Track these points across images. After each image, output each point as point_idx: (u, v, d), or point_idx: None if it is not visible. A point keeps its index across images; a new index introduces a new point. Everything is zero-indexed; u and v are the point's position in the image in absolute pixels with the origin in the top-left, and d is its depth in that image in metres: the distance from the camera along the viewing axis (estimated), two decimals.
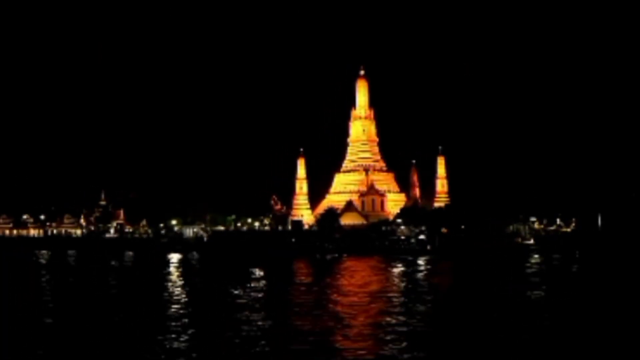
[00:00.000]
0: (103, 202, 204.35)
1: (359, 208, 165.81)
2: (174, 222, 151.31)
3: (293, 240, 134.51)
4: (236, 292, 55.07)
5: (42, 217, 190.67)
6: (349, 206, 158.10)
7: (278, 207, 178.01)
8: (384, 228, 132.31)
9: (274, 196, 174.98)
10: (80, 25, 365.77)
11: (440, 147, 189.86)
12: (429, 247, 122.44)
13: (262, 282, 66.41)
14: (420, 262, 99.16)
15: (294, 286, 62.12)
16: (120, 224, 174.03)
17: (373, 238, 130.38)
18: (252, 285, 62.12)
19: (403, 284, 63.67)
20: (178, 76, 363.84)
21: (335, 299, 50.92)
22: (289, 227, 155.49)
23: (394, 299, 50.09)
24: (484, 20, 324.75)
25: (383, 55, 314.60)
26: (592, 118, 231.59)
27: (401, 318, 39.98)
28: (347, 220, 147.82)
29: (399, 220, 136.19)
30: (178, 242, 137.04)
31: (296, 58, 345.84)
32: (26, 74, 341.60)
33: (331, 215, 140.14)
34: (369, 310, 44.11)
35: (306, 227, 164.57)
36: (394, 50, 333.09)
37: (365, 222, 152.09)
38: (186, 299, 51.19)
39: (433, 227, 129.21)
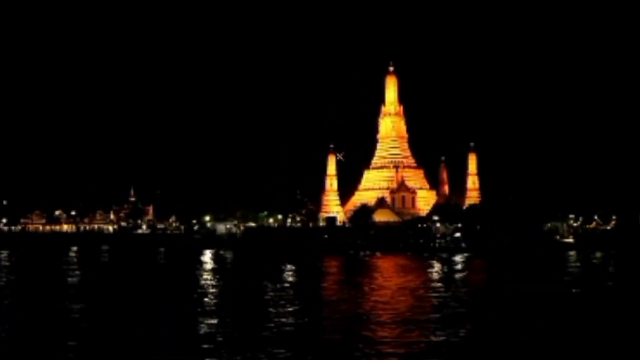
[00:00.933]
0: (132, 199, 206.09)
1: (390, 205, 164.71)
2: (207, 218, 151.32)
3: (325, 237, 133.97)
4: (269, 289, 54.37)
5: (73, 212, 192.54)
6: (381, 203, 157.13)
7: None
8: (419, 225, 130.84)
9: (299, 193, 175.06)
10: (108, 20, 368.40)
11: (471, 144, 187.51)
12: (464, 245, 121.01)
13: (295, 279, 65.69)
14: (456, 260, 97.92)
15: (327, 284, 61.15)
16: (152, 220, 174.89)
17: (407, 235, 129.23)
18: (285, 282, 61.46)
19: (440, 283, 61.92)
20: (209, 72, 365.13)
21: (371, 297, 49.74)
22: (320, 224, 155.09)
23: (431, 299, 48.60)
24: (518, 12, 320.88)
25: (412, 50, 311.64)
26: (632, 114, 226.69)
27: (439, 319, 38.66)
28: (379, 217, 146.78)
29: (436, 217, 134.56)
30: (211, 239, 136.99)
31: (326, 55, 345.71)
32: (56, 71, 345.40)
33: (364, 212, 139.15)
34: (403, 308, 42.73)
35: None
36: (423, 45, 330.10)
37: (397, 219, 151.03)
38: (219, 295, 50.95)
39: (468, 224, 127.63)
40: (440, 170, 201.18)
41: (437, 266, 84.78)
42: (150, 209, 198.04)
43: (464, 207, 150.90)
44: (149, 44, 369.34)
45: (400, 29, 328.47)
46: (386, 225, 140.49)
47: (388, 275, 69.98)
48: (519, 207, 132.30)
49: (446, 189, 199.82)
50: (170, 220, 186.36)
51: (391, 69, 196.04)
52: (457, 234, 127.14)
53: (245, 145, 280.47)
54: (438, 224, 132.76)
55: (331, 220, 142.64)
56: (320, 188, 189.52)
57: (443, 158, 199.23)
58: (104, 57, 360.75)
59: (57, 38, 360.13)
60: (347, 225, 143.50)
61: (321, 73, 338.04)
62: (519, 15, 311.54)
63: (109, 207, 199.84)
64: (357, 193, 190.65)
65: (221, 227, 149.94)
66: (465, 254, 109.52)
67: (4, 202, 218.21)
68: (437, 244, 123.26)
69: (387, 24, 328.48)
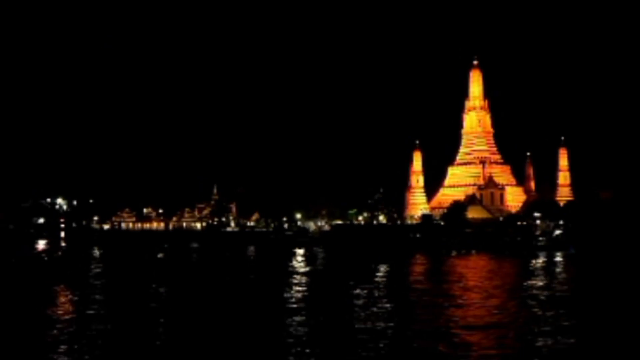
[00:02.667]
0: (216, 197, 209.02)
1: (480, 202, 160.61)
2: (298, 215, 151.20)
3: (417, 235, 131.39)
4: (360, 289, 52.44)
5: (160, 210, 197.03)
6: (473, 200, 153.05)
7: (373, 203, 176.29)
8: (518, 223, 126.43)
9: (380, 192, 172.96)
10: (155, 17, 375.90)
11: (562, 138, 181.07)
12: (567, 243, 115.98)
13: (387, 279, 63.38)
14: (559, 258, 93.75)
15: (420, 285, 57.82)
16: (238, 218, 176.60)
17: (503, 233, 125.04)
18: (377, 282, 59.25)
19: (549, 285, 57.64)
20: (296, 70, 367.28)
21: (474, 299, 46.52)
22: (408, 221, 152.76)
23: (543, 303, 44.98)
24: (609, 4, 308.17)
25: (497, 43, 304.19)
26: None
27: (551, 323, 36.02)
28: (471, 214, 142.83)
29: (537, 214, 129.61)
30: (303, 236, 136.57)
31: (409, 50, 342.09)
32: (143, 74, 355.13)
33: (457, 209, 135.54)
34: (509, 314, 39.71)
35: (418, 221, 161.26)
36: (508, 38, 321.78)
37: (489, 216, 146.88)
38: (313, 295, 49.95)
39: (570, 221, 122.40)
40: (526, 165, 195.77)
41: (539, 265, 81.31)
42: (234, 207, 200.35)
43: (562, 204, 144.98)
44: (224, 42, 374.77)
45: (484, 22, 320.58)
46: (480, 222, 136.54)
47: (490, 276, 66.58)
48: (621, 204, 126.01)
49: (532, 185, 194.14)
50: (254, 217, 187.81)
51: (476, 62, 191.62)
52: (558, 232, 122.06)
53: (326, 142, 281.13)
54: (538, 221, 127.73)
55: (427, 217, 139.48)
56: (402, 185, 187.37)
57: (529, 153, 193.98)
58: (183, 57, 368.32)
59: (127, 38, 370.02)
60: (435, 222, 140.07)
61: (404, 69, 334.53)
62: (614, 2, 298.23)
63: (194, 205, 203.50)
64: (441, 190, 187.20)
65: (311, 225, 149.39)
66: (568, 252, 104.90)
67: (91, 201, 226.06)
68: (538, 242, 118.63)
69: (470, 17, 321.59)
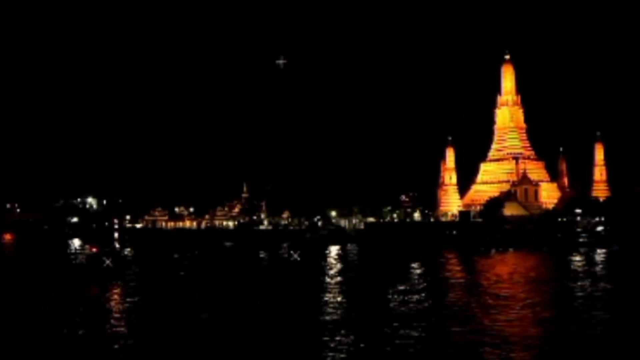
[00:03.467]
0: (245, 195, 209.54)
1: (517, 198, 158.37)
2: (333, 213, 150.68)
3: (454, 232, 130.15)
4: (397, 288, 51.91)
5: (191, 209, 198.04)
6: (509, 196, 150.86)
7: (407, 200, 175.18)
8: (558, 219, 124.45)
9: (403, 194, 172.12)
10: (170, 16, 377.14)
11: (597, 133, 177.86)
12: (610, 240, 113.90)
13: (424, 279, 62.45)
14: (602, 256, 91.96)
15: (460, 287, 56.05)
16: (270, 217, 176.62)
17: (542, 230, 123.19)
18: (413, 281, 58.71)
19: (595, 283, 56.74)
20: (328, 69, 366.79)
21: (514, 302, 45.29)
22: (442, 219, 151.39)
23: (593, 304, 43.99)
24: None
25: (528, 38, 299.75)
26: None
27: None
28: (508, 211, 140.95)
29: (578, 210, 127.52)
30: (339, 235, 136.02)
31: (441, 46, 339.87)
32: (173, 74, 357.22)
33: (494, 205, 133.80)
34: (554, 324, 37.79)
35: (452, 218, 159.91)
36: (540, 32, 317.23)
37: (526, 213, 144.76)
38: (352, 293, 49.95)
39: (612, 217, 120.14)
40: (559, 161, 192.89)
41: (579, 263, 79.86)
42: (263, 205, 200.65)
43: (601, 200, 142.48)
44: (258, 42, 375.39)
45: (515, 16, 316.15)
46: (517, 219, 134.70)
47: (533, 276, 64.77)
48: None
49: (565, 181, 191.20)
50: (284, 215, 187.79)
51: (507, 57, 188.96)
52: (599, 228, 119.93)
53: (354, 140, 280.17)
54: (578, 218, 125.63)
55: (464, 214, 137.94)
56: (434, 182, 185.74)
57: (561, 149, 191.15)
58: (213, 56, 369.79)
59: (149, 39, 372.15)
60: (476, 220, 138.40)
61: (436, 65, 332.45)
62: None
63: (224, 203, 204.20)
64: (474, 187, 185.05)
65: (345, 223, 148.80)
66: (611, 249, 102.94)
67: (120, 200, 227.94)
68: (578, 239, 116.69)
69: (501, 11, 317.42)
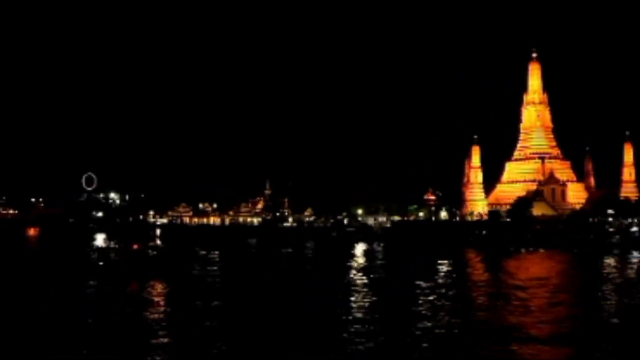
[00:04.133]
0: (268, 191, 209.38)
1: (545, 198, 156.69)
2: (359, 211, 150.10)
3: (483, 232, 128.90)
4: (424, 288, 51.31)
5: (215, 205, 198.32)
6: (538, 195, 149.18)
7: (433, 198, 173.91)
8: (590, 220, 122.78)
9: (433, 188, 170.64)
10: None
11: (627, 133, 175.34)
12: None
13: (452, 279, 61.58)
14: (636, 259, 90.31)
15: (489, 287, 55.01)
16: (295, 213, 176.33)
17: (572, 230, 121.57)
18: (441, 281, 57.89)
19: (630, 287, 55.34)
20: (352, 66, 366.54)
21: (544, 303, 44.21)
22: (468, 218, 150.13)
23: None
24: None
25: (556, 35, 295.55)
26: None
27: None
28: (537, 211, 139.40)
29: (611, 211, 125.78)
30: (365, 232, 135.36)
31: (467, 45, 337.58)
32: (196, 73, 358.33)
33: (523, 205, 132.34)
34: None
35: (477, 217, 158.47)
36: (567, 29, 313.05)
37: (554, 213, 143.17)
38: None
39: None
40: (585, 161, 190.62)
41: (612, 265, 78.31)
42: (286, 202, 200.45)
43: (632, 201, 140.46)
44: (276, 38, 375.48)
45: (543, 13, 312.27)
46: (546, 219, 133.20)
47: (565, 277, 63.61)
48: None
49: (592, 181, 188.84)
50: (307, 212, 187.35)
51: (534, 55, 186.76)
52: (634, 229, 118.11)
53: (380, 137, 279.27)
54: (610, 219, 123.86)
55: (494, 214, 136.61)
56: (458, 181, 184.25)
57: (588, 148, 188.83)
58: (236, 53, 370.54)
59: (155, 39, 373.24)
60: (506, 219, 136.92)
61: (462, 63, 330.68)
62: None
63: (247, 200, 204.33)
64: (499, 186, 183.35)
65: (371, 220, 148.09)
66: None
67: (142, 195, 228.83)
68: (611, 240, 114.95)
69: (528, 9, 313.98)
